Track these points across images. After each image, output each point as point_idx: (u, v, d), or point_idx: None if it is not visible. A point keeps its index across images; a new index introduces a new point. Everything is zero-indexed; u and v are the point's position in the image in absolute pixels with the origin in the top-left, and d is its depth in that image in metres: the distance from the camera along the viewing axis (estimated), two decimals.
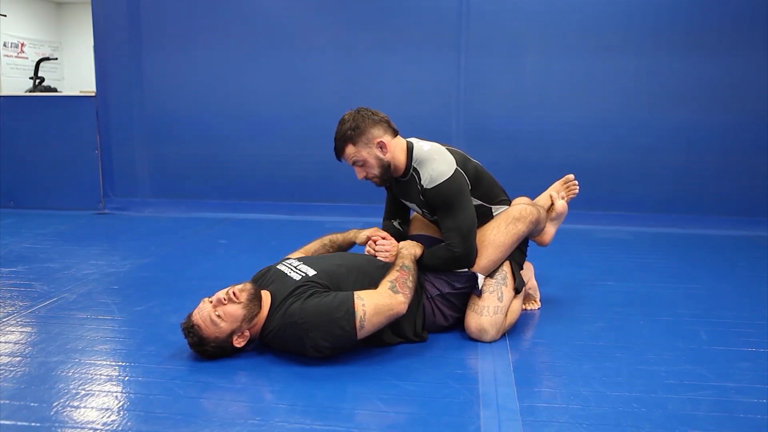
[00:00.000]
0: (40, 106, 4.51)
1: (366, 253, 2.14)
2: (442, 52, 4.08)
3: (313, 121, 4.20)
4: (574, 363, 1.89)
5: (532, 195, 2.49)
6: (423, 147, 2.11)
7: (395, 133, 2.11)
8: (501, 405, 1.61)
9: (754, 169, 3.94)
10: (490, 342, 2.03)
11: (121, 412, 1.56)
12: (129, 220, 4.23)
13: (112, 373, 1.80)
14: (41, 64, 6.73)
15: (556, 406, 1.60)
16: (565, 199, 2.46)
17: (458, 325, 2.13)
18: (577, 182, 2.50)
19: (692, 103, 3.94)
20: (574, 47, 3.98)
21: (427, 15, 4.06)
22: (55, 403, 1.60)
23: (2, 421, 1.50)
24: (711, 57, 3.88)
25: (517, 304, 2.16)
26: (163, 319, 2.24)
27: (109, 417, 1.53)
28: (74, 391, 1.67)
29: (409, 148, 2.10)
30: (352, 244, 2.28)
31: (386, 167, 2.08)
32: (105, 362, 1.87)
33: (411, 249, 2.05)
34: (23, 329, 2.15)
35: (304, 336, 1.77)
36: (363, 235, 2.21)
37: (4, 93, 6.94)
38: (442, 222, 2.06)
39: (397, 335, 1.97)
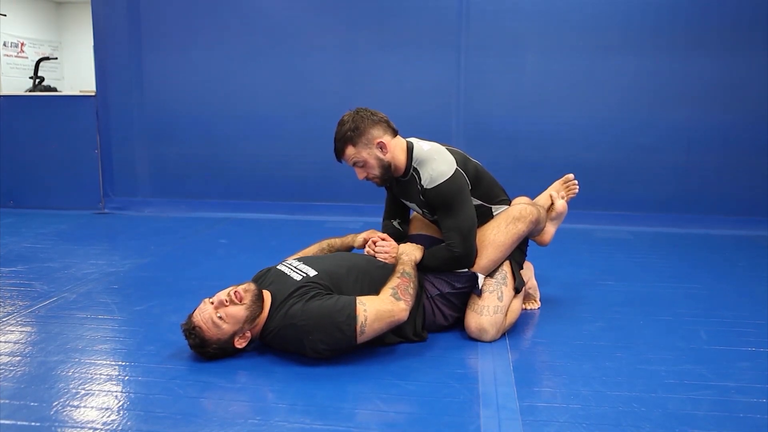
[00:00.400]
0: (40, 105, 4.51)
1: (365, 254, 2.14)
2: (442, 51, 4.08)
3: (313, 120, 4.20)
4: (574, 363, 1.89)
5: (532, 195, 2.49)
6: (423, 147, 2.10)
7: (395, 133, 2.11)
8: (501, 404, 1.61)
9: (754, 169, 3.94)
10: (490, 342, 2.03)
11: (121, 412, 1.56)
12: (129, 219, 4.23)
13: (112, 373, 1.80)
14: (41, 63, 6.73)
15: (556, 406, 1.61)
16: (565, 198, 2.46)
17: (458, 324, 2.13)
18: (576, 182, 2.50)
19: (692, 102, 3.94)
20: (574, 47, 3.98)
21: (427, 15, 4.06)
22: (55, 403, 1.60)
23: (2, 421, 1.50)
24: (711, 57, 3.88)
25: (517, 304, 2.16)
26: (163, 319, 2.24)
27: (109, 416, 1.53)
28: (74, 390, 1.67)
29: (409, 148, 2.10)
30: (350, 248, 2.28)
31: (387, 167, 2.08)
32: (105, 362, 1.87)
33: (411, 254, 2.05)
34: (23, 329, 2.15)
35: (304, 338, 1.77)
36: (360, 238, 2.22)
37: (4, 93, 6.94)
38: (442, 222, 2.06)
39: (397, 335, 1.97)
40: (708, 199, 4.01)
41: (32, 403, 1.60)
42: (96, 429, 1.48)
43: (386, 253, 2.08)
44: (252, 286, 1.85)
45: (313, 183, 4.32)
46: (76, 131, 4.43)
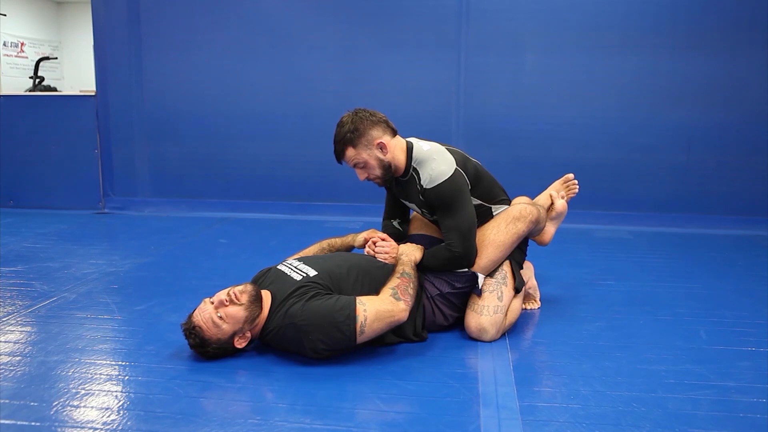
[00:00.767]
0: (40, 105, 4.51)
1: (365, 254, 2.14)
2: (442, 51, 4.08)
3: (313, 120, 4.20)
4: (574, 362, 1.89)
5: (532, 194, 2.49)
6: (423, 147, 2.10)
7: (394, 133, 2.11)
8: (501, 404, 1.61)
9: (753, 169, 3.94)
10: (490, 341, 2.03)
11: (121, 412, 1.56)
12: (129, 219, 4.23)
13: (112, 373, 1.80)
14: (41, 63, 6.73)
15: (555, 406, 1.61)
16: (565, 198, 2.46)
17: (458, 324, 2.14)
18: (576, 181, 2.50)
19: (692, 102, 3.94)
20: (574, 47, 3.98)
21: (427, 14, 4.06)
22: (55, 403, 1.60)
23: (2, 421, 1.50)
24: (711, 56, 3.88)
25: (517, 304, 2.17)
26: (163, 319, 2.24)
27: (109, 416, 1.54)
28: (74, 390, 1.68)
29: (409, 148, 2.10)
30: (350, 248, 2.28)
31: (387, 168, 2.08)
32: (105, 361, 1.87)
33: (411, 255, 2.05)
34: (23, 328, 2.15)
35: (304, 337, 1.77)
36: (360, 237, 2.22)
37: (4, 92, 6.94)
38: (442, 222, 2.06)
39: (397, 335, 1.97)
40: (707, 199, 4.01)
41: (32, 403, 1.60)
42: (96, 429, 1.48)
43: (386, 253, 2.08)
44: (250, 287, 1.85)
45: (313, 183, 4.32)
46: (76, 131, 4.43)
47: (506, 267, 2.13)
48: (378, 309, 1.80)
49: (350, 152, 2.05)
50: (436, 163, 2.04)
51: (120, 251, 3.33)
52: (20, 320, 2.22)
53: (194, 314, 1.82)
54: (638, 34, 3.92)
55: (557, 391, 1.69)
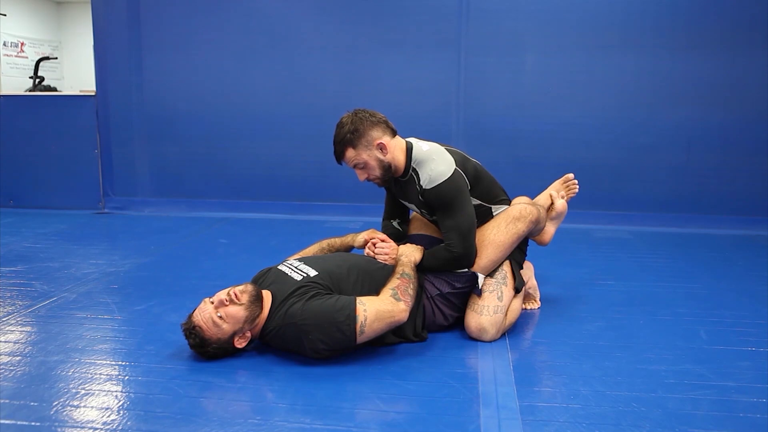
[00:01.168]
0: (40, 105, 4.51)
1: (365, 255, 2.14)
2: (441, 50, 4.08)
3: (313, 120, 4.20)
4: (574, 362, 1.89)
5: (532, 194, 2.49)
6: (422, 147, 2.10)
7: (394, 133, 2.11)
8: (501, 404, 1.61)
9: (753, 169, 3.94)
10: (489, 341, 2.03)
11: (121, 412, 1.56)
12: (129, 219, 4.23)
13: (112, 373, 1.80)
14: (41, 63, 6.73)
15: (555, 406, 1.61)
16: (565, 198, 2.46)
17: (458, 324, 2.14)
18: (576, 181, 2.50)
19: (692, 102, 3.94)
20: (573, 46, 3.98)
21: (427, 14, 4.06)
22: (55, 403, 1.60)
23: (2, 421, 1.50)
24: (711, 56, 3.88)
25: (517, 304, 2.17)
26: (163, 319, 2.24)
27: (109, 416, 1.54)
28: (74, 390, 1.68)
29: (409, 149, 2.10)
30: (350, 248, 2.28)
31: (387, 168, 2.08)
32: (105, 361, 1.87)
33: (410, 255, 2.04)
34: (23, 328, 2.15)
35: (304, 337, 1.77)
36: (360, 238, 2.21)
37: (4, 92, 6.94)
38: (442, 222, 2.05)
39: (397, 335, 1.97)
40: (707, 199, 4.01)
41: (32, 403, 1.60)
42: (96, 429, 1.48)
43: (386, 254, 2.08)
44: (250, 287, 1.85)
45: (313, 183, 4.32)
46: (76, 131, 4.43)
47: (506, 267, 2.13)
48: (378, 309, 1.80)
49: (350, 153, 2.05)
50: (436, 163, 2.04)
51: (120, 251, 3.33)
52: (20, 320, 2.22)
53: (194, 314, 1.82)
54: (638, 34, 3.92)
55: (557, 391, 1.69)
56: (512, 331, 2.15)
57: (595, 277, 2.82)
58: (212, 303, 1.80)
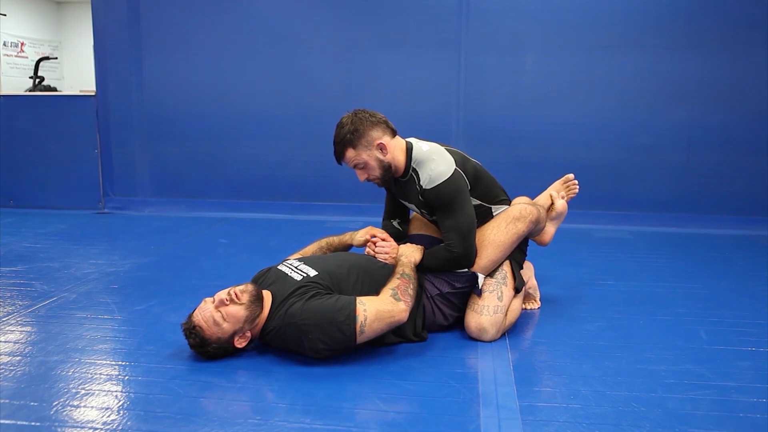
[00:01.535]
0: (40, 105, 4.51)
1: (366, 253, 2.14)
2: (442, 50, 4.08)
3: (313, 120, 4.20)
4: (574, 362, 1.89)
5: (532, 194, 2.49)
6: (422, 147, 2.10)
7: (394, 134, 2.11)
8: (501, 404, 1.61)
9: (753, 169, 3.94)
10: (489, 341, 2.03)
11: (121, 412, 1.56)
12: (129, 219, 4.23)
13: (112, 373, 1.80)
14: (41, 63, 6.73)
15: (555, 406, 1.61)
16: (565, 198, 2.46)
17: (458, 324, 2.14)
18: (576, 182, 2.50)
19: (692, 102, 3.94)
20: (573, 46, 3.98)
21: (427, 14, 4.06)
22: (55, 403, 1.60)
23: (2, 421, 1.50)
24: (711, 56, 3.88)
25: (517, 304, 2.17)
26: (163, 319, 2.24)
27: (109, 416, 1.54)
28: (74, 390, 1.68)
29: (409, 149, 2.10)
30: (348, 247, 2.27)
31: (387, 168, 2.08)
32: (105, 361, 1.87)
33: (410, 256, 2.04)
34: (23, 328, 2.15)
35: (303, 337, 1.77)
36: (359, 236, 2.20)
37: (4, 92, 6.94)
38: (442, 222, 2.05)
39: (397, 335, 1.97)
40: (707, 199, 4.01)
41: (32, 403, 1.60)
42: (96, 429, 1.48)
43: (386, 253, 2.08)
44: (250, 287, 1.85)
45: (313, 183, 4.32)
46: (76, 131, 4.43)
47: (506, 267, 2.13)
48: (378, 309, 1.80)
49: (350, 153, 2.05)
50: (436, 163, 2.04)
51: (120, 251, 3.33)
52: (20, 320, 2.22)
53: (194, 314, 1.82)
54: (638, 34, 3.92)
55: (557, 391, 1.69)
56: (512, 331, 2.15)
57: (595, 277, 2.82)
58: (213, 302, 1.80)
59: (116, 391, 1.68)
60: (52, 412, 1.55)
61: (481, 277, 2.05)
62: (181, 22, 4.31)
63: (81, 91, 5.31)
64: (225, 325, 1.78)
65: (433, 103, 4.14)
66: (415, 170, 2.08)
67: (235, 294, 1.80)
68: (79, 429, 1.48)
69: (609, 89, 4.00)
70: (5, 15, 8.24)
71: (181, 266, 3.00)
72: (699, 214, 4.00)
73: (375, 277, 1.97)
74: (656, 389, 1.69)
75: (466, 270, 2.07)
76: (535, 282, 2.45)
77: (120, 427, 1.48)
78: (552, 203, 2.43)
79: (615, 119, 4.03)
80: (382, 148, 2.04)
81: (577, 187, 2.50)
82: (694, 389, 1.70)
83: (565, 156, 4.01)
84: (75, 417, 1.54)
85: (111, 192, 4.50)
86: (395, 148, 2.08)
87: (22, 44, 8.75)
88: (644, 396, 1.65)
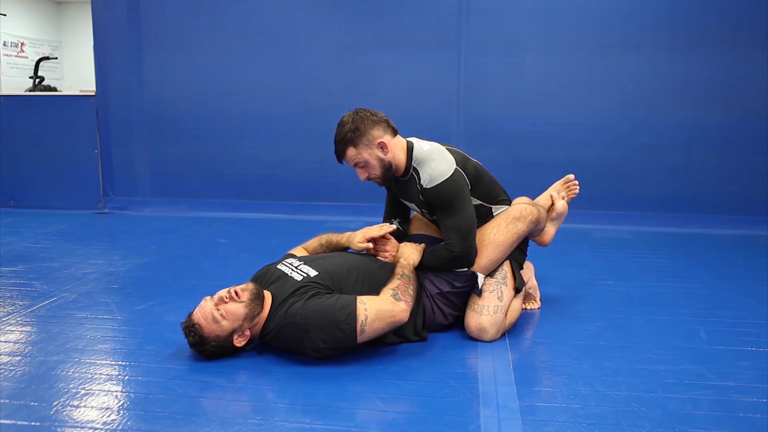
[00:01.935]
0: (40, 105, 4.51)
1: (366, 252, 2.13)
2: (442, 50, 4.08)
3: (313, 120, 4.21)
4: (574, 362, 1.89)
5: (532, 194, 2.49)
6: (423, 147, 2.10)
7: (395, 133, 2.11)
8: (501, 404, 1.61)
9: (753, 169, 3.94)
10: (489, 341, 2.03)
11: (121, 412, 1.56)
12: (129, 219, 4.23)
13: (112, 373, 1.80)
14: (41, 63, 6.73)
15: (555, 406, 1.61)
16: (566, 199, 2.46)
17: (458, 324, 2.14)
18: (577, 182, 2.50)
19: (692, 102, 3.94)
20: (573, 46, 3.98)
21: (427, 14, 4.06)
22: (55, 403, 1.60)
23: (2, 420, 1.50)
24: (711, 56, 3.88)
25: (517, 304, 2.17)
26: (163, 319, 2.24)
27: (109, 416, 1.54)
28: (74, 390, 1.68)
29: (409, 148, 2.10)
30: (346, 248, 2.23)
31: (388, 167, 2.08)
32: (105, 361, 1.87)
33: (410, 257, 2.04)
34: (23, 328, 2.15)
35: (304, 336, 1.77)
36: (357, 241, 2.12)
37: (4, 92, 6.94)
38: (442, 222, 2.05)
39: (397, 335, 1.97)
40: (708, 199, 4.01)
41: (32, 403, 1.60)
42: (96, 428, 1.48)
43: (387, 252, 2.08)
44: (251, 285, 1.85)
45: (313, 183, 4.32)
46: (76, 131, 4.43)
47: (506, 267, 2.13)
48: (379, 309, 1.80)
49: (351, 152, 2.05)
50: (436, 163, 2.04)
51: (120, 251, 3.33)
52: (20, 320, 2.22)
53: (194, 312, 1.82)
54: (638, 34, 3.92)
55: (557, 391, 1.69)
56: (512, 331, 2.15)
57: (595, 277, 2.82)
58: (212, 300, 1.81)
59: (116, 391, 1.68)
60: (52, 412, 1.55)
61: (480, 277, 2.05)
62: (181, 22, 4.31)
63: (81, 91, 5.31)
64: (224, 322, 1.78)
65: (433, 103, 4.14)
66: (415, 169, 2.08)
67: (235, 292, 1.80)
68: (79, 429, 1.48)
69: (609, 89, 4.00)
70: (5, 15, 8.24)
71: (181, 266, 3.00)
72: (699, 214, 4.00)
73: (375, 277, 1.97)
74: (656, 389, 1.69)
75: (466, 269, 2.06)
76: (535, 282, 2.45)
77: (120, 427, 1.48)
78: (552, 204, 2.43)
79: (615, 119, 4.03)
80: (383, 146, 2.04)
81: (578, 187, 2.50)
82: (694, 389, 1.70)
83: (565, 156, 4.01)
84: (75, 417, 1.54)
85: (111, 192, 4.50)
86: (396, 147, 2.08)
87: (22, 44, 8.75)
88: (644, 396, 1.65)
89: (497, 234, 2.09)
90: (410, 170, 2.09)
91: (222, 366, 1.81)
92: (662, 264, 3.09)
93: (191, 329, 1.79)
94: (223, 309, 1.78)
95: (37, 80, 6.49)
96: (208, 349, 1.81)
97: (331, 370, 1.79)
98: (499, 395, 1.66)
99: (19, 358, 1.89)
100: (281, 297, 1.85)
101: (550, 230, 2.41)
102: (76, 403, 1.61)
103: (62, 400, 1.62)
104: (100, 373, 1.78)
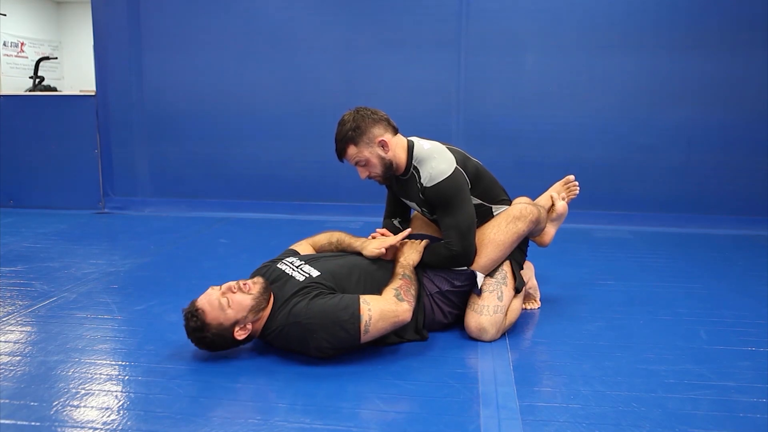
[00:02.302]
0: (40, 105, 4.51)
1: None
2: (442, 50, 4.08)
3: (313, 119, 4.21)
4: (574, 362, 1.89)
5: (532, 194, 2.49)
6: (423, 146, 2.11)
7: (395, 131, 2.11)
8: (501, 404, 1.61)
9: (753, 168, 3.94)
10: (489, 341, 2.03)
11: (121, 412, 1.56)
12: (129, 219, 4.23)
13: (112, 373, 1.80)
14: (41, 63, 6.73)
15: (555, 406, 1.61)
16: (566, 200, 2.46)
17: (458, 324, 2.14)
18: (577, 183, 2.50)
19: (692, 101, 3.94)
20: (573, 46, 3.98)
21: (427, 14, 4.06)
22: (55, 403, 1.60)
23: (2, 421, 1.50)
24: (711, 56, 3.88)
25: (517, 304, 2.17)
26: (163, 318, 2.24)
27: (109, 416, 1.54)
28: (74, 390, 1.68)
29: (410, 147, 2.10)
30: (358, 254, 2.17)
31: (389, 166, 2.08)
32: (105, 361, 1.87)
33: (409, 258, 2.04)
34: (23, 328, 2.15)
35: (308, 336, 1.77)
36: (369, 252, 2.06)
37: (4, 92, 6.94)
38: (441, 220, 2.06)
39: (398, 335, 1.97)
40: (708, 199, 4.01)
41: (32, 403, 1.60)
42: (96, 429, 1.48)
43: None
44: (261, 280, 1.86)
45: (313, 183, 4.32)
46: (76, 131, 4.43)
47: (506, 267, 2.13)
48: (383, 309, 1.80)
49: (352, 150, 2.05)
50: (437, 161, 2.04)
51: (120, 251, 3.33)
52: (20, 320, 2.22)
53: (199, 298, 1.81)
54: (638, 34, 3.92)
55: (557, 391, 1.69)
56: (512, 331, 2.15)
57: (595, 277, 2.82)
58: (219, 289, 1.81)
59: (116, 391, 1.68)
60: (52, 412, 1.55)
61: (480, 276, 2.05)
62: (181, 22, 4.31)
63: (81, 91, 5.31)
64: (229, 311, 1.77)
65: (433, 103, 4.13)
66: (416, 168, 2.08)
67: (245, 284, 1.81)
68: (79, 429, 1.48)
69: (609, 89, 4.00)
70: (5, 15, 8.24)
71: (181, 266, 3.00)
72: (699, 214, 4.00)
73: (376, 278, 1.97)
74: (656, 389, 1.70)
75: (466, 268, 2.06)
76: (535, 282, 2.45)
77: (120, 427, 1.48)
78: (552, 204, 2.43)
79: (615, 119, 4.03)
80: (383, 145, 2.04)
81: (578, 188, 2.50)
82: (694, 389, 1.70)
83: (565, 156, 4.01)
84: (75, 417, 1.54)
85: (111, 192, 4.50)
86: (397, 146, 2.08)
87: (22, 44, 8.75)
88: (644, 396, 1.65)
89: (497, 233, 2.09)
90: (410, 169, 2.09)
91: (222, 366, 1.82)
92: (662, 264, 3.09)
93: (194, 314, 1.77)
94: (229, 298, 1.78)
95: (37, 80, 6.50)
96: (207, 337, 1.79)
97: (331, 370, 1.79)
98: (499, 395, 1.66)
99: (19, 358, 1.89)
100: (284, 297, 1.85)
101: (550, 231, 2.41)
102: (76, 403, 1.61)
103: (62, 400, 1.62)
104: (100, 373, 1.78)
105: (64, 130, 4.44)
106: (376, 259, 2.06)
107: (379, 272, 1.99)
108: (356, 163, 2.08)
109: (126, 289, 2.62)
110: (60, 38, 9.46)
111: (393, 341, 1.96)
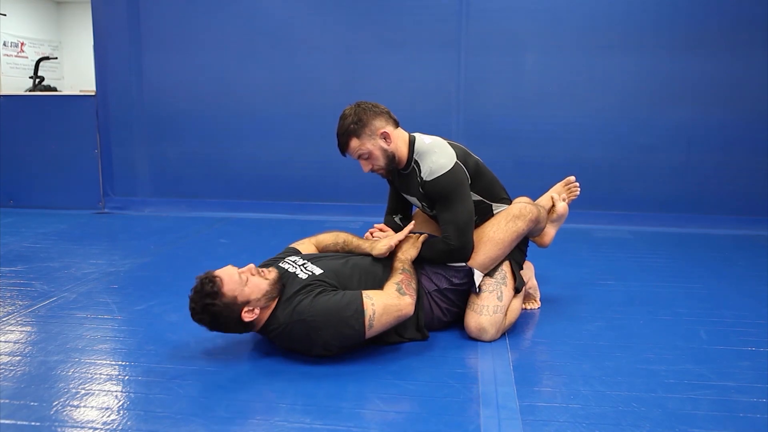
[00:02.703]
0: (39, 105, 4.51)
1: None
2: (442, 50, 4.08)
3: (313, 119, 4.21)
4: (574, 362, 1.89)
5: (532, 194, 2.49)
6: (424, 140, 2.11)
7: (396, 124, 2.11)
8: (501, 404, 1.61)
9: (754, 168, 3.94)
10: (489, 341, 2.03)
11: (121, 412, 1.56)
12: (129, 219, 4.23)
13: (112, 372, 1.80)
14: (41, 63, 6.73)
15: (555, 406, 1.61)
16: (566, 200, 2.47)
17: (458, 324, 2.14)
18: (578, 184, 2.50)
19: (692, 101, 3.94)
20: (573, 46, 3.98)
21: (427, 14, 4.06)
22: (55, 403, 1.60)
23: (2, 421, 1.50)
24: (711, 56, 3.88)
25: (516, 304, 2.17)
26: (163, 318, 2.24)
27: (109, 416, 1.54)
28: (74, 390, 1.68)
29: (411, 141, 2.11)
30: (367, 255, 2.15)
31: (391, 158, 2.08)
32: (105, 361, 1.87)
33: (407, 252, 2.05)
34: (23, 328, 2.15)
35: (313, 334, 1.77)
36: (378, 252, 2.06)
37: (4, 92, 6.94)
38: (440, 215, 2.06)
39: (398, 334, 1.97)
40: (708, 199, 4.01)
41: (32, 403, 1.60)
42: (96, 429, 1.48)
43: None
44: (276, 271, 1.90)
45: (314, 182, 4.32)
46: (76, 131, 4.43)
47: (506, 267, 2.13)
48: (385, 303, 1.81)
49: (354, 143, 2.05)
50: (437, 156, 2.04)
51: (120, 251, 3.33)
52: (20, 320, 2.22)
53: (216, 270, 1.82)
54: (638, 34, 3.92)
55: (557, 391, 1.69)
56: (512, 331, 2.16)
57: (595, 277, 2.82)
58: (238, 268, 1.83)
59: (116, 391, 1.68)
60: (52, 412, 1.55)
61: (478, 275, 2.05)
62: (181, 22, 4.31)
63: (81, 91, 5.31)
64: (246, 288, 1.79)
65: (433, 103, 4.14)
66: (416, 162, 2.08)
67: (263, 271, 1.85)
68: (79, 429, 1.48)
69: (609, 89, 4.00)
70: (5, 15, 8.24)
71: (181, 266, 3.00)
72: (699, 214, 4.00)
73: (376, 276, 1.98)
74: (656, 389, 1.70)
75: (463, 264, 2.06)
76: (535, 282, 2.45)
77: (120, 427, 1.48)
78: (553, 205, 2.43)
79: (615, 119, 4.03)
80: (385, 137, 2.05)
81: (578, 189, 2.50)
82: (694, 389, 1.70)
83: (565, 156, 4.01)
84: (75, 417, 1.54)
85: (111, 192, 4.50)
86: (398, 139, 2.09)
87: (22, 44, 8.75)
88: (644, 396, 1.65)
89: (496, 231, 2.09)
90: (411, 163, 2.10)
91: (222, 366, 1.82)
92: (662, 264, 3.09)
93: (212, 279, 1.77)
94: (248, 276, 1.80)
95: (37, 80, 6.49)
96: (217, 305, 1.75)
97: (331, 369, 1.79)
98: (499, 395, 1.66)
99: (19, 358, 1.89)
100: (287, 294, 1.85)
101: (550, 231, 2.41)
102: (76, 403, 1.61)
103: (62, 400, 1.62)
104: (100, 373, 1.78)
105: (64, 130, 4.44)
106: (378, 259, 2.06)
107: (379, 271, 2.00)
108: (359, 156, 2.08)
109: (126, 289, 2.62)
110: (60, 38, 9.46)
111: (394, 340, 1.96)
